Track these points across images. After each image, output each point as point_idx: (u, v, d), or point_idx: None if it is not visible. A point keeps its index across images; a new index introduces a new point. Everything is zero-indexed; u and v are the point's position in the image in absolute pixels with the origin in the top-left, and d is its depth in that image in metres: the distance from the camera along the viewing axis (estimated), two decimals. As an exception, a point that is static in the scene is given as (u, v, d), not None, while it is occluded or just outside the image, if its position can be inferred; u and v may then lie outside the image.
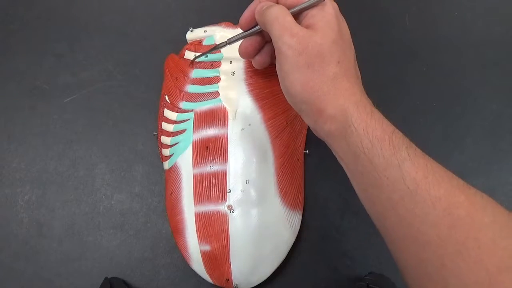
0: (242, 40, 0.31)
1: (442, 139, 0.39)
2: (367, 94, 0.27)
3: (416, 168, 0.22)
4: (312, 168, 0.37)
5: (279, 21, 0.26)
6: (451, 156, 0.38)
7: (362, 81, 0.28)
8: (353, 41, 0.29)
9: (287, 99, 0.28)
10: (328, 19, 0.26)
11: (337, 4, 0.28)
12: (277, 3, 0.28)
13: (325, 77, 0.25)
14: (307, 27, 0.26)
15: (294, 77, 0.26)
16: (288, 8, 0.27)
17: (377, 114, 0.25)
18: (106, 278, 0.34)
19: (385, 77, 0.41)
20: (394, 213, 0.22)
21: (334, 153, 0.27)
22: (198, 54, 0.36)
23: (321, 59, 0.25)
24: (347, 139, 0.24)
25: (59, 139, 0.39)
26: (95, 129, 0.39)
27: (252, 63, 0.33)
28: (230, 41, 0.32)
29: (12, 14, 0.44)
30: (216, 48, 0.34)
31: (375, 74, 0.41)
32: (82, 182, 0.38)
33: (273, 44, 0.27)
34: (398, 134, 0.24)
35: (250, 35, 0.31)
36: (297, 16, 0.27)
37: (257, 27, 0.30)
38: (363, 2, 0.45)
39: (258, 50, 0.31)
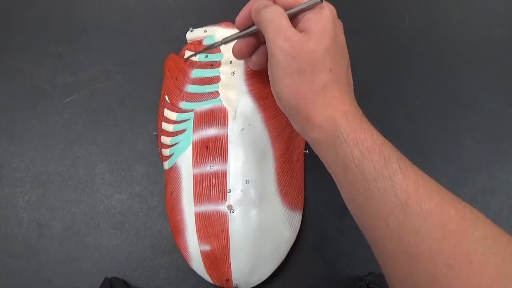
0: (236, 40, 0.31)
1: (442, 139, 0.39)
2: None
3: (407, 181, 0.22)
4: (312, 168, 0.37)
5: (274, 23, 0.25)
6: (451, 156, 0.38)
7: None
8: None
9: (276, 102, 0.28)
10: (324, 24, 0.25)
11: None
12: (274, 2, 0.28)
13: (315, 85, 0.25)
14: (302, 30, 0.26)
15: (284, 82, 0.26)
16: (285, 9, 0.27)
17: (367, 124, 0.24)
18: (106, 278, 0.34)
19: (385, 77, 0.41)
20: (384, 225, 0.22)
21: (322, 161, 0.26)
22: (194, 53, 0.36)
23: (313, 66, 0.25)
24: (336, 149, 0.24)
25: (59, 139, 0.39)
26: (95, 129, 0.39)
27: (248, 64, 0.32)
28: (225, 41, 0.31)
29: (12, 14, 0.44)
30: (211, 47, 0.33)
31: (375, 74, 0.41)
32: (82, 182, 0.38)
33: (267, 46, 0.26)
34: (388, 145, 0.23)
35: (246, 35, 0.30)
36: (294, 18, 0.27)
37: (254, 27, 0.29)
38: (363, 2, 0.45)
39: (252, 51, 0.31)
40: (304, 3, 0.26)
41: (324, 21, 0.25)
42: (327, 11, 0.26)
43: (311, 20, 0.26)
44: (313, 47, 0.25)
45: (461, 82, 0.41)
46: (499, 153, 0.38)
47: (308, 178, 0.36)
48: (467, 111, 0.40)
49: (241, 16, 0.29)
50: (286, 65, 0.25)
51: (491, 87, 0.41)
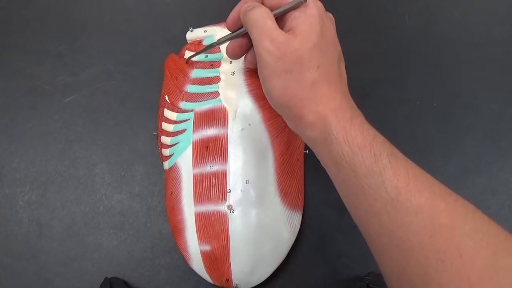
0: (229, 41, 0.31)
1: (442, 139, 0.39)
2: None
3: (397, 176, 0.22)
4: (312, 168, 0.37)
5: (259, 25, 0.25)
6: (451, 156, 0.38)
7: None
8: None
9: (269, 102, 0.28)
10: (310, 21, 0.25)
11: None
12: (262, 3, 0.28)
13: (303, 83, 0.25)
14: (289, 29, 0.26)
15: (273, 82, 0.26)
16: (272, 9, 0.26)
17: (358, 119, 0.24)
18: (106, 278, 0.34)
19: (385, 77, 0.41)
20: (376, 221, 0.22)
21: (318, 158, 0.27)
22: (194, 53, 0.36)
23: (299, 65, 0.25)
24: (327, 147, 0.24)
25: (59, 139, 0.39)
26: (95, 129, 0.39)
27: (244, 62, 0.32)
28: (220, 42, 0.31)
29: (12, 14, 0.44)
30: (208, 48, 0.34)
31: (375, 74, 0.41)
32: (82, 182, 0.38)
33: (254, 48, 0.26)
34: (379, 140, 0.23)
35: (237, 36, 0.30)
36: (281, 17, 0.27)
37: (243, 28, 0.29)
38: (363, 2, 0.45)
39: (246, 51, 0.31)
40: (288, 3, 0.26)
41: (309, 19, 0.25)
42: (313, 9, 0.26)
43: (296, 18, 0.26)
44: (298, 46, 0.25)
45: (461, 82, 0.41)
46: (499, 153, 0.38)
47: (308, 178, 0.36)
48: (467, 111, 0.40)
49: (231, 18, 0.29)
50: (273, 66, 0.25)
51: (491, 87, 0.41)
